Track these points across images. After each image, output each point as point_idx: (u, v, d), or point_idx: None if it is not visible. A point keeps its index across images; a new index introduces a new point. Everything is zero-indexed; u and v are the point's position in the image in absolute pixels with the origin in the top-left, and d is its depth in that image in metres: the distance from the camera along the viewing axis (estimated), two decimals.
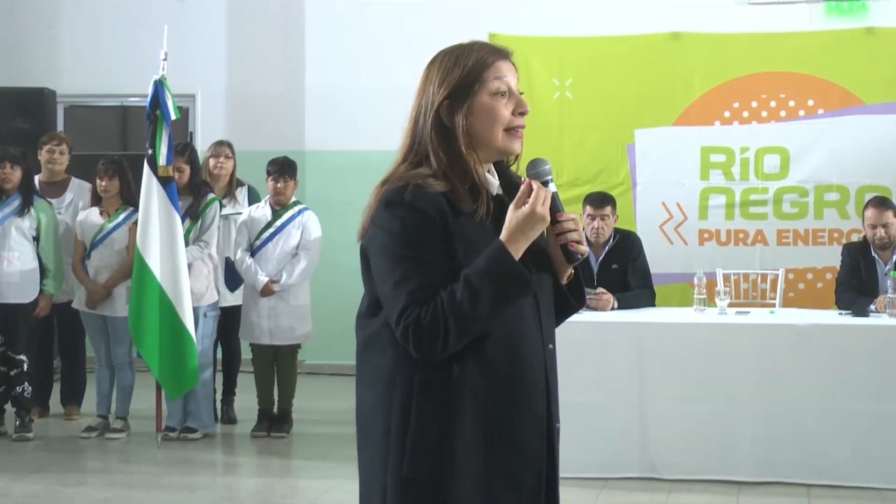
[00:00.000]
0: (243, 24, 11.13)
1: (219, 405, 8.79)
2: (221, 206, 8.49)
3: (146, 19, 10.63)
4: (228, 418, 8.77)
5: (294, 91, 10.98)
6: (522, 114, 2.85)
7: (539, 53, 9.38)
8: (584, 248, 2.86)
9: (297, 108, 10.97)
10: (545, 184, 2.76)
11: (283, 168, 8.29)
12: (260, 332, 8.34)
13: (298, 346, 8.55)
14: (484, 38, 9.59)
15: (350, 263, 10.72)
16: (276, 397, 8.44)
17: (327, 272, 9.92)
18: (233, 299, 8.66)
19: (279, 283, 8.24)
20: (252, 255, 8.34)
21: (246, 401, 8.72)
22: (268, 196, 8.42)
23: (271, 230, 8.34)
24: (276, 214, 8.35)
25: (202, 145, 9.48)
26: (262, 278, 8.24)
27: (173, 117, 7.72)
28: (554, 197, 2.78)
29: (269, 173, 8.32)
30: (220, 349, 8.81)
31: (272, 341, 8.35)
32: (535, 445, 2.78)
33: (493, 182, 2.87)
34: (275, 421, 8.38)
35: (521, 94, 2.87)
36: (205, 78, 11.09)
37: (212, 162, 8.71)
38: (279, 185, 8.27)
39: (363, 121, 10.69)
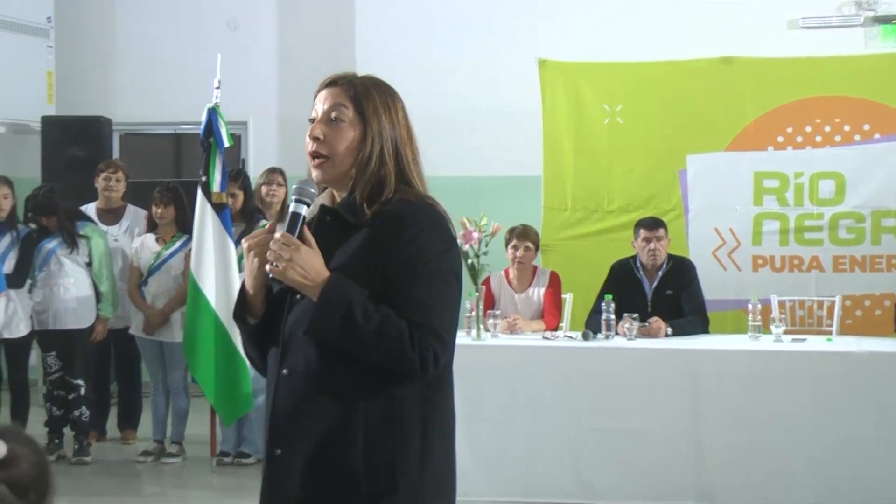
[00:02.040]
0: (295, 52, 11.15)
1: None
2: None
3: (199, 48, 10.67)
4: None
5: None
6: (314, 139, 2.95)
7: (589, 79, 9.34)
8: (274, 268, 2.85)
9: None
10: (300, 203, 2.89)
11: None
12: None
13: None
14: (534, 64, 9.61)
15: None
16: None
17: None
18: None
19: None
20: None
21: None
22: None
23: None
24: None
25: (254, 172, 9.47)
26: None
27: (227, 144, 7.72)
28: (293, 218, 2.87)
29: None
30: None
31: None
32: None
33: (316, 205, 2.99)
34: None
35: (332, 117, 2.94)
36: (257, 105, 11.11)
37: (264, 189, 8.70)
38: None
39: None
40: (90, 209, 8.80)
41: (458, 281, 2.95)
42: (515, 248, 7.91)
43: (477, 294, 7.43)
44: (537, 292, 7.98)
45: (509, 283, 8.03)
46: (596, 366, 7.02)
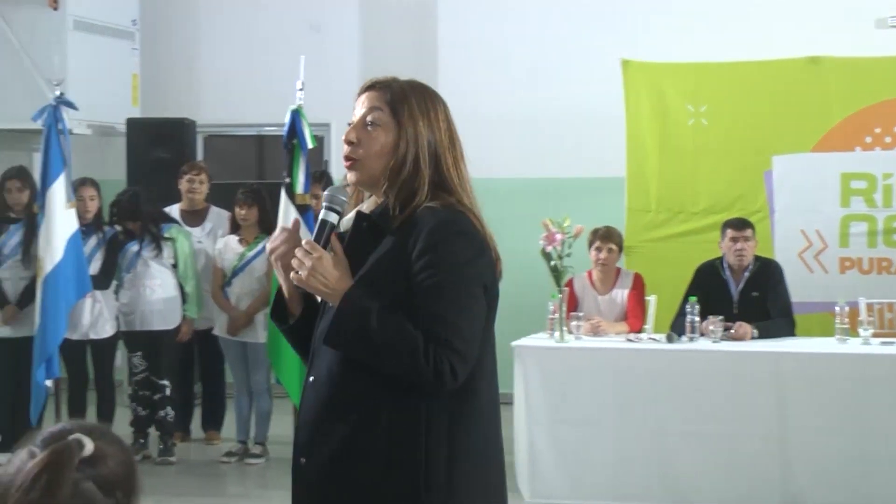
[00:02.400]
0: (377, 53, 11.18)
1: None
2: None
3: (282, 50, 10.73)
4: None
5: None
6: (348, 143, 2.96)
7: (673, 80, 9.28)
8: (297, 276, 2.88)
9: None
10: (329, 211, 2.91)
11: None
12: None
13: None
14: (617, 65, 9.55)
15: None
16: None
17: None
18: None
19: None
20: None
21: None
22: None
23: None
24: None
25: (337, 174, 9.51)
26: None
27: (310, 146, 7.76)
28: (321, 225, 2.90)
29: None
30: None
31: None
32: None
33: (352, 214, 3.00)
34: None
35: (368, 121, 2.95)
36: (340, 107, 11.05)
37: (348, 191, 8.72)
38: None
39: (495, 150, 10.64)
40: (174, 211, 8.90)
41: (490, 290, 2.93)
42: (599, 249, 7.87)
43: (560, 296, 7.42)
44: (621, 294, 7.94)
45: (592, 285, 7.99)
46: (680, 368, 7.01)
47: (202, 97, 11.57)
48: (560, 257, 7.46)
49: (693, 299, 7.31)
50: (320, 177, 8.43)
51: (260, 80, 11.30)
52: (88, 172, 9.07)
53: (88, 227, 8.38)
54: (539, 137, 10.53)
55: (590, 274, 8.04)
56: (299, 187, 7.76)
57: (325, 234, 2.90)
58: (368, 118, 2.95)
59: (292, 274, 2.89)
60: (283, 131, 7.82)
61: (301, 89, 7.81)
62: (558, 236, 7.44)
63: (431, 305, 2.79)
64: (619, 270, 8.07)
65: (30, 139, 10.61)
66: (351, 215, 2.99)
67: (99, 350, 8.52)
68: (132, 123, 10.45)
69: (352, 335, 2.81)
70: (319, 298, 3.02)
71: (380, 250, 2.89)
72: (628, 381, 7.08)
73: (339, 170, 9.90)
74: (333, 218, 2.92)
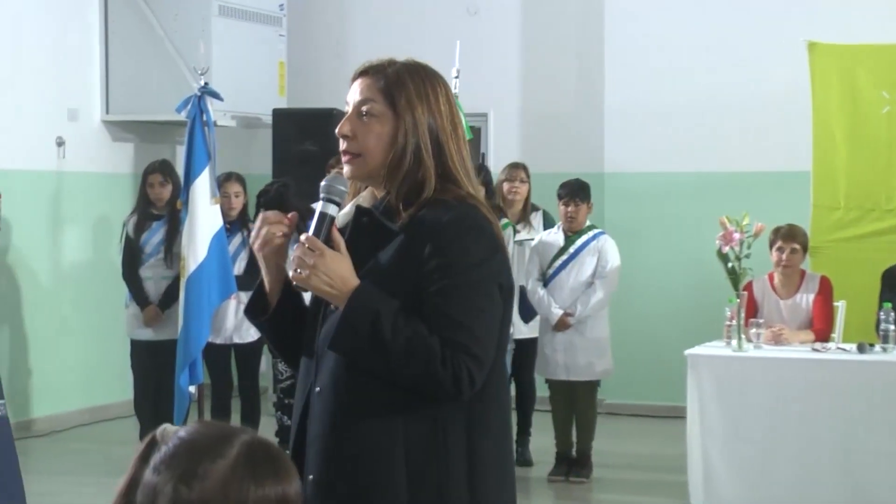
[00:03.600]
0: (539, 37, 11.12)
1: (513, 446, 8.73)
2: (515, 231, 8.46)
3: (437, 34, 10.73)
4: (524, 460, 8.73)
5: (592, 109, 10.89)
6: (342, 136, 2.94)
7: (865, 63, 9.10)
8: (297, 275, 2.84)
9: (595, 128, 10.88)
10: (328, 203, 2.86)
11: (574, 191, 8.25)
12: (555, 367, 8.29)
13: (597, 382, 8.43)
14: (802, 48, 9.34)
15: (653, 293, 10.59)
16: (574, 438, 8.33)
17: (627, 302, 9.80)
18: (527, 331, 8.63)
19: (574, 316, 8.14)
20: (545, 285, 8.30)
21: (542, 441, 8.65)
22: (560, 222, 8.36)
23: (564, 257, 8.31)
24: (568, 240, 8.31)
25: (495, 167, 9.49)
26: (556, 311, 8.19)
27: (466, 138, 7.72)
28: (320, 218, 2.85)
29: (559, 197, 8.30)
30: (514, 385, 8.76)
31: (569, 377, 8.28)
32: None
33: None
34: (573, 464, 8.30)
35: (362, 111, 2.92)
36: (498, 96, 11.13)
37: (506, 186, 8.70)
38: (570, 209, 8.22)
39: (666, 141, 10.53)
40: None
41: (504, 291, 2.87)
42: (781, 250, 7.70)
43: (738, 301, 7.31)
44: (805, 299, 7.76)
45: (774, 288, 7.83)
46: (873, 381, 6.85)
47: (346, 86, 11.63)
48: (738, 258, 7.34)
49: (887, 305, 7.13)
50: (477, 170, 8.38)
51: None
52: (233, 166, 9.22)
53: (233, 224, 8.50)
54: (716, 128, 10.37)
55: (771, 277, 7.88)
56: None
57: (324, 229, 2.85)
58: (363, 108, 2.93)
59: (292, 273, 2.85)
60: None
61: (456, 77, 7.80)
62: (737, 235, 7.31)
63: (445, 308, 2.76)
64: (803, 273, 7.90)
65: (173, 131, 10.85)
66: (348, 209, 2.96)
67: (243, 355, 8.63)
68: (278, 114, 10.56)
69: (360, 340, 2.76)
70: (308, 298, 3.00)
71: (387, 249, 2.85)
72: (814, 394, 6.95)
73: (497, 163, 9.88)
74: (333, 210, 2.88)
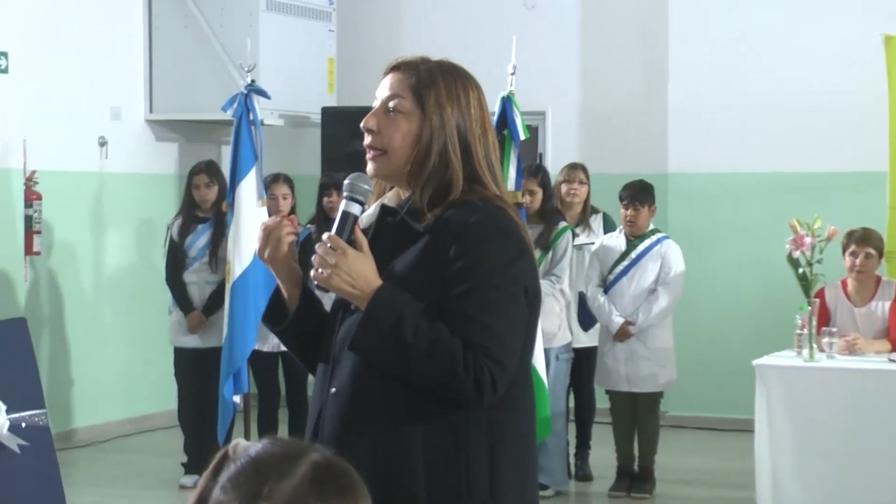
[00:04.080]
0: (600, 32, 11.09)
1: (572, 459, 8.73)
2: (574, 235, 8.44)
3: (492, 29, 10.74)
4: (583, 474, 8.71)
5: (656, 106, 10.85)
6: (367, 131, 2.99)
7: None
8: (319, 274, 2.88)
9: (659, 126, 10.83)
10: (352, 201, 2.90)
11: (635, 193, 8.22)
12: (617, 377, 8.27)
13: (660, 394, 8.41)
14: (878, 42, 9.26)
15: (719, 300, 10.51)
16: (636, 452, 8.31)
17: (692, 310, 9.74)
18: (587, 340, 8.61)
19: (636, 325, 8.12)
20: (605, 292, 8.28)
21: (602, 455, 8.64)
22: (622, 225, 8.34)
23: (626, 263, 8.29)
24: (630, 245, 8.27)
25: (553, 167, 9.47)
26: (617, 319, 8.17)
27: (522, 137, 7.72)
28: (343, 217, 2.90)
29: (620, 199, 8.27)
30: (573, 396, 8.75)
31: (630, 388, 8.25)
32: None
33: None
34: (635, 479, 8.28)
35: (389, 107, 2.97)
36: (556, 93, 11.11)
37: (564, 188, 8.68)
38: (631, 212, 8.18)
39: (733, 140, 10.47)
40: None
41: (530, 295, 2.91)
42: (854, 254, 7.65)
43: (809, 308, 7.26)
44: (881, 307, 7.70)
45: (847, 295, 7.77)
46: None
47: None
48: (810, 264, 7.30)
49: None
50: (535, 171, 8.39)
51: (467, 64, 11.27)
52: (280, 167, 9.25)
53: None
54: (785, 127, 10.30)
55: (844, 283, 7.83)
56: (510, 183, 7.71)
57: (347, 228, 2.89)
58: (390, 104, 2.98)
59: (313, 272, 2.90)
60: (493, 121, 7.80)
61: (512, 73, 7.78)
62: (808, 240, 7.27)
63: (470, 311, 2.81)
64: (878, 279, 7.83)
65: (219, 131, 10.91)
66: (373, 209, 3.01)
67: (291, 364, 8.63)
68: (328, 113, 10.58)
69: (382, 342, 2.81)
70: (329, 300, 3.04)
71: (412, 250, 2.89)
72: (891, 407, 6.89)
73: (555, 163, 9.87)
74: (356, 209, 2.92)
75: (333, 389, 2.94)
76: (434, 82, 2.97)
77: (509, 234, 2.90)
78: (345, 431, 2.89)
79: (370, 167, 2.99)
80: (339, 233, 2.89)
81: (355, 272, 2.85)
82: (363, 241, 2.91)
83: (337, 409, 2.92)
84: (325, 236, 2.89)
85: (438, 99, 2.95)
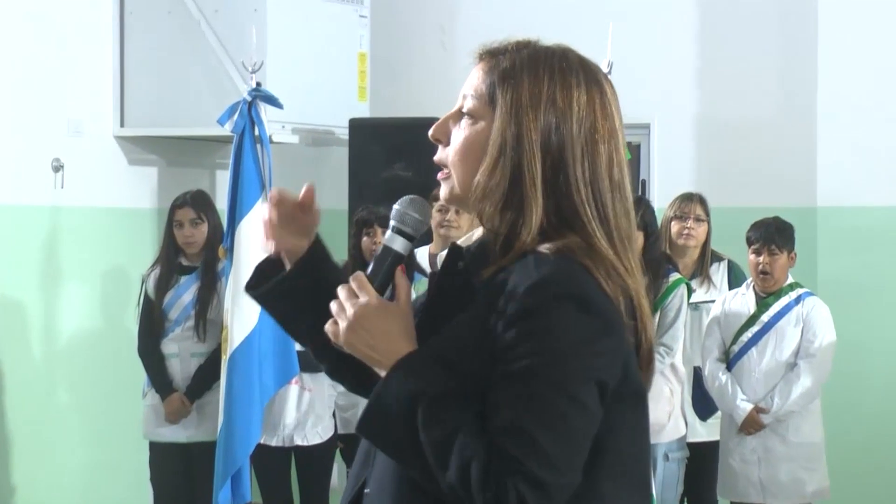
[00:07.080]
0: (724, 23, 11.04)
1: None
2: (690, 290, 8.35)
3: (581, 16, 10.70)
4: None
5: (801, 121, 10.78)
6: (435, 140, 2.97)
7: None
8: (332, 327, 2.84)
9: (804, 146, 10.75)
10: (397, 234, 2.89)
11: (769, 234, 8.16)
12: (746, 484, 8.30)
13: None
14: None
15: (884, 379, 10.43)
16: None
17: (846, 393, 9.63)
18: (705, 432, 8.57)
19: (770, 412, 8.03)
20: (728, 368, 8.29)
21: None
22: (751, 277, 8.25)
23: (756, 328, 8.31)
24: (762, 304, 8.24)
25: (660, 199, 9.41)
26: (745, 405, 8.14)
27: (624, 162, 7.65)
28: (382, 254, 2.87)
29: (749, 242, 8.26)
30: None
31: (766, 500, 8.20)
32: None
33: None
34: None
35: (462, 111, 2.92)
36: (665, 100, 11.08)
37: (675, 226, 8.66)
38: (763, 259, 8.13)
39: None
40: (422, 254, 8.82)
41: (609, 393, 2.74)
42: None
43: None
44: None
45: None
46: None
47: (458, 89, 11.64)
48: None
49: None
50: (636, 204, 8.31)
51: None
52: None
53: None
54: None
55: None
56: None
57: (384, 269, 2.82)
58: (463, 107, 2.92)
59: (327, 326, 2.85)
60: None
61: (608, 71, 7.75)
62: None
63: (509, 406, 2.68)
64: None
65: (213, 151, 10.91)
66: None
67: (307, 462, 8.63)
68: (358, 127, 10.58)
69: (388, 425, 2.75)
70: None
71: (467, 311, 2.79)
72: None
73: (662, 193, 9.82)
74: (401, 245, 2.85)
75: (367, 491, 2.90)
76: (514, 77, 2.85)
77: (587, 303, 2.71)
78: None
79: (441, 191, 2.94)
80: (373, 274, 2.82)
81: (378, 329, 2.78)
82: (404, 287, 2.85)
83: None
84: (352, 277, 2.81)
85: (516, 101, 2.83)
